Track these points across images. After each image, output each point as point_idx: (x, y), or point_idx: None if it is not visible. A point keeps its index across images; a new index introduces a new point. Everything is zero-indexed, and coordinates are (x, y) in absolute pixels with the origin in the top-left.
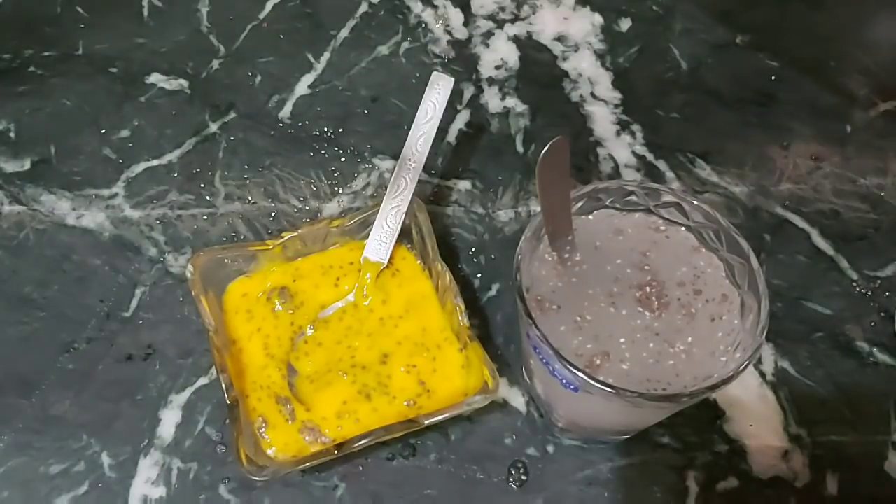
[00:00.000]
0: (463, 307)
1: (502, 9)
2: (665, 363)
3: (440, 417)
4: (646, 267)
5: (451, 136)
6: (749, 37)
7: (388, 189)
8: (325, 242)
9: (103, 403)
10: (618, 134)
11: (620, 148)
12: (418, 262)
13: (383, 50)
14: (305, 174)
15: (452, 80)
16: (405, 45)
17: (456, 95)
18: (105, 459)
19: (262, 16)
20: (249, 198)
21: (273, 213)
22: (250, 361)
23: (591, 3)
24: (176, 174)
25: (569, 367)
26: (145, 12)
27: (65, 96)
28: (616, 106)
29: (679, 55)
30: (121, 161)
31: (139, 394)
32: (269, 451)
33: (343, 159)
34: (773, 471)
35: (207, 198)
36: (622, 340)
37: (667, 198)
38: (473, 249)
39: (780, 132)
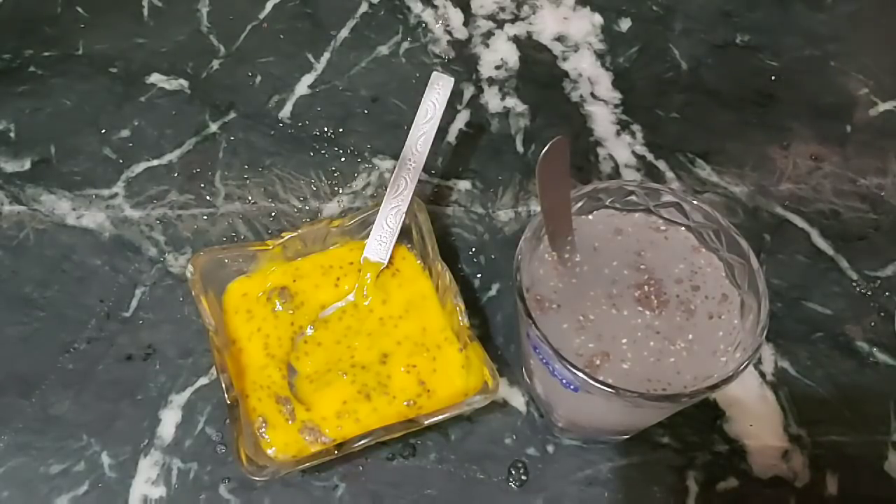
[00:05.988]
0: (463, 307)
1: (502, 9)
2: (666, 361)
3: (440, 417)
4: (642, 266)
5: (451, 136)
6: (749, 37)
7: (388, 189)
8: (325, 242)
9: (103, 403)
10: (618, 134)
11: (620, 148)
12: (418, 262)
13: (383, 50)
14: (305, 174)
15: (452, 80)
16: (405, 45)
17: (456, 95)
18: (105, 459)
19: (262, 16)
20: (249, 198)
21: (273, 213)
22: (250, 361)
23: (591, 3)
24: (176, 174)
25: (569, 367)
26: (145, 12)
27: (65, 96)
28: (616, 106)
29: (679, 55)
30: (121, 161)
31: (139, 394)
32: (269, 451)
33: (343, 159)
34: (773, 471)
35: (207, 198)
36: (623, 340)
37: (667, 198)
38: (473, 249)
39: (780, 132)
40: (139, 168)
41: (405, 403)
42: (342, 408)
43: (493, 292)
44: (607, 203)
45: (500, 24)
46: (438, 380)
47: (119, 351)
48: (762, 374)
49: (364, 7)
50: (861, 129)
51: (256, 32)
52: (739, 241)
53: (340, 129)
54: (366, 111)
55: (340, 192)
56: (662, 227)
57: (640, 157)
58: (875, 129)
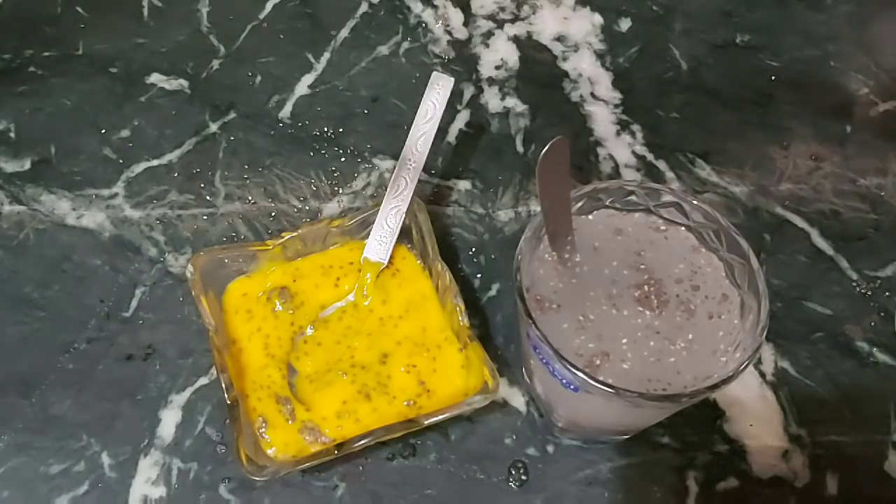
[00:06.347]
0: (463, 307)
1: (502, 9)
2: (666, 361)
3: (440, 417)
4: (641, 266)
5: (451, 136)
6: (749, 37)
7: (388, 189)
8: (325, 242)
9: (103, 403)
10: (618, 134)
11: (620, 148)
12: (418, 262)
13: (383, 50)
14: (305, 174)
15: (452, 80)
16: (405, 45)
17: (456, 95)
18: (105, 459)
19: (262, 16)
20: (249, 198)
21: (273, 213)
22: (250, 361)
23: (591, 3)
24: (176, 174)
25: (568, 367)
26: (145, 12)
27: (65, 96)
28: (616, 106)
29: (679, 55)
30: (121, 161)
31: (139, 394)
32: (269, 451)
33: (343, 159)
34: (773, 471)
35: (207, 198)
36: (623, 340)
37: (667, 198)
38: (473, 249)
39: (780, 132)
40: (139, 168)
41: (405, 403)
42: (342, 408)
43: (493, 292)
44: (607, 203)
45: (500, 24)
46: (438, 380)
47: (119, 351)
48: (762, 374)
49: (364, 7)
50: (861, 129)
51: (256, 32)
52: (739, 241)
53: (340, 129)
54: (366, 111)
55: (340, 192)
56: (662, 227)
57: (640, 157)
58: (875, 129)
